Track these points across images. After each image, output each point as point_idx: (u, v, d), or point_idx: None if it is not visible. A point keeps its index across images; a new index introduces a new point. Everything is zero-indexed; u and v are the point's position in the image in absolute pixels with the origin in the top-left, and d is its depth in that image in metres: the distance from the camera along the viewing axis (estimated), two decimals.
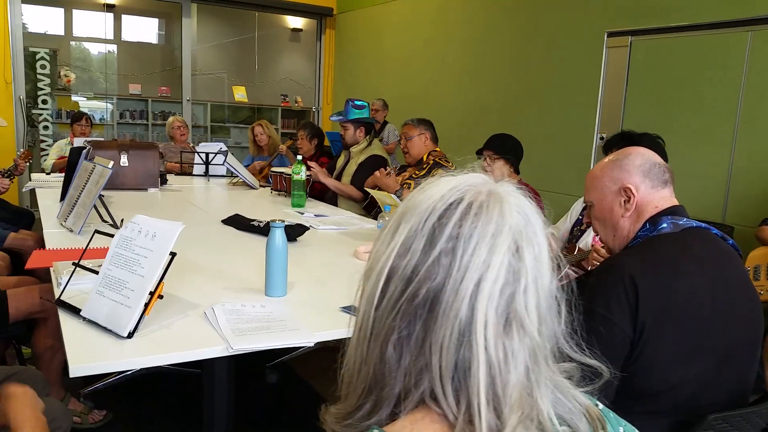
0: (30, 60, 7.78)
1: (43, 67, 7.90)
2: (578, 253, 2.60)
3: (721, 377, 1.34)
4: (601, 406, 0.76)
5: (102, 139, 6.98)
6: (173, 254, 1.55)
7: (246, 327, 1.63)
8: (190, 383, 2.98)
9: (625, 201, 1.49)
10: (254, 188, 4.53)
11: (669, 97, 4.19)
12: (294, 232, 2.75)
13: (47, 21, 10.75)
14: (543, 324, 0.68)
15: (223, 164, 4.75)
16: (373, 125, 4.36)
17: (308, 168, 4.16)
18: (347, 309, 1.83)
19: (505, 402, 0.64)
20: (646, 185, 1.47)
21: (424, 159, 3.77)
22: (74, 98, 9.09)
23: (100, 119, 9.16)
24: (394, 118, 6.31)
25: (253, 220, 2.96)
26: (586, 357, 0.77)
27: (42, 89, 7.48)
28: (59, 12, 10.95)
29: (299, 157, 3.80)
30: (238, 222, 3.02)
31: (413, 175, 3.72)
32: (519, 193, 0.73)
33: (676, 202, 1.49)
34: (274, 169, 4.53)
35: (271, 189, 4.36)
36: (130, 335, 1.49)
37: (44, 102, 7.50)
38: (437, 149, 3.82)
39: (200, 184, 4.72)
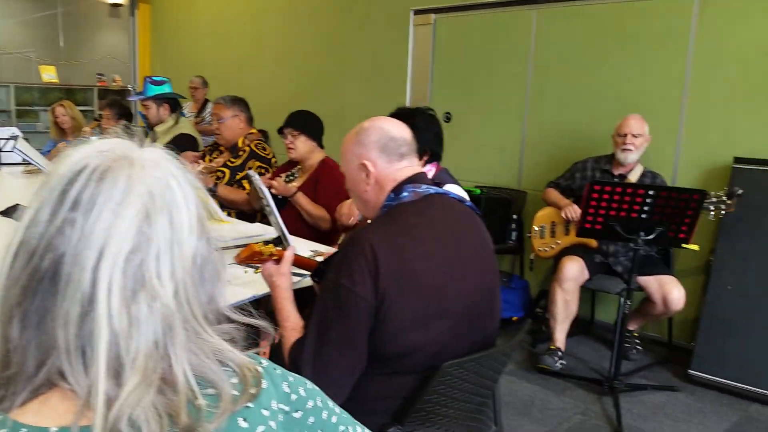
0: None
1: None
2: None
3: (462, 333, 1.44)
4: (265, 363, 0.77)
5: None
6: None
7: None
8: None
9: (366, 175, 1.54)
10: None
11: (469, 73, 4.44)
12: None
13: None
14: (182, 290, 0.67)
15: (12, 151, 4.31)
16: (178, 101, 4.16)
17: None
18: None
19: (129, 370, 0.63)
20: (382, 160, 1.53)
21: (240, 144, 3.56)
22: None
23: None
24: (216, 96, 6.09)
25: None
26: (252, 318, 0.78)
27: None
28: None
29: (92, 140, 3.54)
30: (17, 213, 2.76)
31: (228, 163, 3.51)
32: (164, 159, 0.72)
33: (417, 171, 1.57)
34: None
35: None
36: None
37: None
38: (253, 131, 3.68)
39: None
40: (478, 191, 4.01)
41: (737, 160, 3.17)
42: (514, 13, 4.14)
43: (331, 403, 0.84)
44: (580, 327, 3.84)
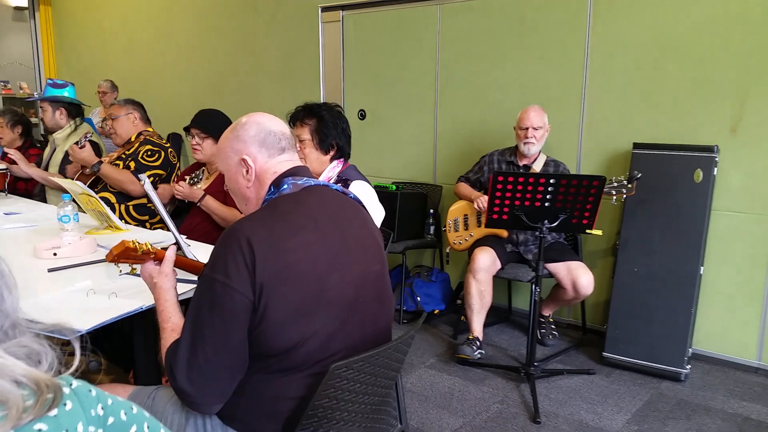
0: None
1: None
2: None
3: (349, 324, 1.41)
4: (76, 385, 0.74)
5: None
6: None
7: None
8: None
9: (246, 171, 1.50)
10: None
11: (381, 70, 4.43)
12: None
13: None
14: None
15: None
16: (79, 107, 3.97)
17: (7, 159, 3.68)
18: None
19: None
20: (262, 155, 1.49)
21: (132, 139, 3.45)
22: None
23: None
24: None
25: None
26: (33, 340, 0.74)
27: None
28: None
29: None
30: None
31: (122, 156, 3.39)
32: None
33: (296, 164, 1.53)
34: None
35: None
36: None
37: None
38: (150, 129, 3.55)
39: None
40: (393, 187, 4.01)
41: (636, 145, 3.28)
42: (419, 8, 4.16)
43: (163, 429, 0.81)
44: (498, 315, 3.91)
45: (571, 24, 3.54)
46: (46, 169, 3.91)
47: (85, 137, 3.66)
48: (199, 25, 5.71)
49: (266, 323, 1.30)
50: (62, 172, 3.77)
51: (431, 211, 4.10)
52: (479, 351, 3.23)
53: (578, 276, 3.18)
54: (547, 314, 3.58)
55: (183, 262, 1.67)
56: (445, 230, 3.66)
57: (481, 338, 3.28)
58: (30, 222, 2.90)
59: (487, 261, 3.24)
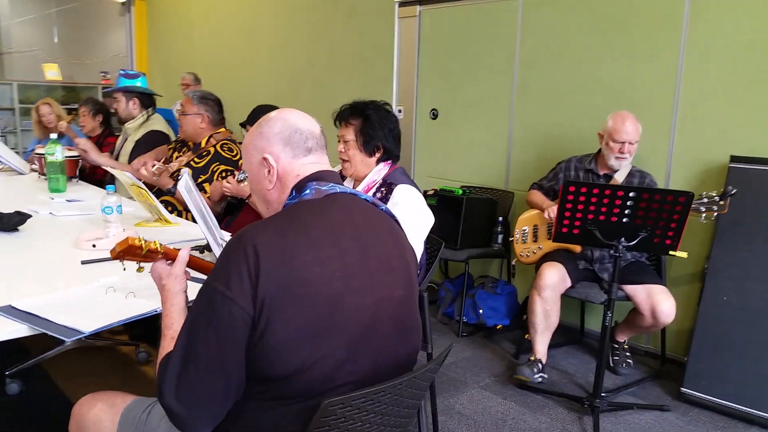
0: None
1: None
2: None
3: (361, 353, 1.23)
4: None
5: None
6: None
7: None
8: None
9: (268, 171, 1.35)
10: (23, 173, 4.04)
11: (455, 68, 4.21)
12: (10, 222, 2.43)
13: None
14: None
15: None
16: (152, 97, 4.00)
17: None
18: (4, 309, 1.57)
19: None
20: (286, 154, 1.35)
21: (203, 145, 3.35)
22: None
23: None
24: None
25: None
26: None
27: None
28: None
29: (53, 136, 3.41)
30: None
31: (191, 164, 3.29)
32: None
33: (323, 168, 1.37)
34: (38, 151, 4.05)
35: (39, 173, 3.90)
36: None
37: None
38: (222, 130, 3.43)
39: None
40: (460, 191, 3.78)
41: (734, 158, 2.90)
42: (500, 2, 3.90)
43: None
44: (569, 336, 3.60)
45: (665, 20, 3.18)
46: (117, 158, 3.97)
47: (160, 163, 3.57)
48: (279, 20, 5.71)
49: (265, 344, 1.14)
50: (132, 161, 3.81)
51: (500, 218, 3.85)
52: (541, 375, 2.96)
53: (659, 302, 2.84)
54: (622, 340, 3.24)
55: (199, 264, 1.55)
56: (512, 240, 3.40)
57: (544, 361, 3.00)
58: (87, 210, 2.91)
59: (554, 278, 2.96)
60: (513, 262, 3.45)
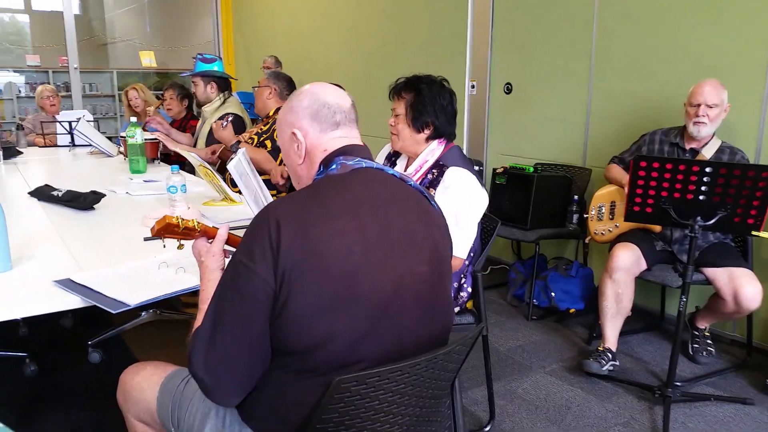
0: None
1: None
2: None
3: (380, 330, 1.21)
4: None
5: None
6: None
7: None
8: None
9: (297, 146, 1.35)
10: (111, 155, 4.29)
11: (530, 40, 4.04)
12: (86, 201, 2.58)
13: None
14: None
15: (69, 132, 4.48)
16: (228, 81, 4.12)
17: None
18: (62, 282, 1.66)
19: None
20: (314, 128, 1.34)
21: (270, 114, 3.52)
22: None
23: None
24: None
25: (55, 190, 2.76)
26: None
27: None
28: None
29: (133, 119, 3.58)
30: (41, 193, 2.81)
31: (258, 131, 3.48)
32: None
33: (352, 142, 1.35)
34: (122, 133, 4.27)
35: (123, 155, 4.12)
36: None
37: None
38: None
39: (57, 155, 4.45)
40: (531, 169, 3.64)
41: None
42: None
43: None
44: (647, 321, 3.41)
45: None
46: (196, 140, 4.13)
47: (227, 118, 3.77)
48: (354, 5, 5.71)
49: (287, 315, 1.15)
50: (209, 144, 3.94)
51: (576, 197, 3.68)
52: (611, 363, 2.81)
53: (741, 285, 2.62)
54: (703, 327, 3.03)
55: (236, 242, 1.58)
56: (586, 217, 3.25)
57: (614, 348, 2.86)
58: (161, 190, 3.03)
59: (627, 259, 2.80)
60: (586, 241, 3.29)
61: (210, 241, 1.46)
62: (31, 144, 4.91)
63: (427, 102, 2.15)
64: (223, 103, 4.05)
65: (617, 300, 2.83)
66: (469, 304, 2.30)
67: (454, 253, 2.01)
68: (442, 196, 2.07)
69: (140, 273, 1.80)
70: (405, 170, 2.27)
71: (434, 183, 2.12)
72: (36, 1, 11.10)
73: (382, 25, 5.34)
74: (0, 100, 8.47)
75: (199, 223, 1.48)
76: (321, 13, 6.23)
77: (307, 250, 1.15)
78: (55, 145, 4.83)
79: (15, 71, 9.02)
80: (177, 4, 9.81)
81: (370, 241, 1.20)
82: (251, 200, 2.02)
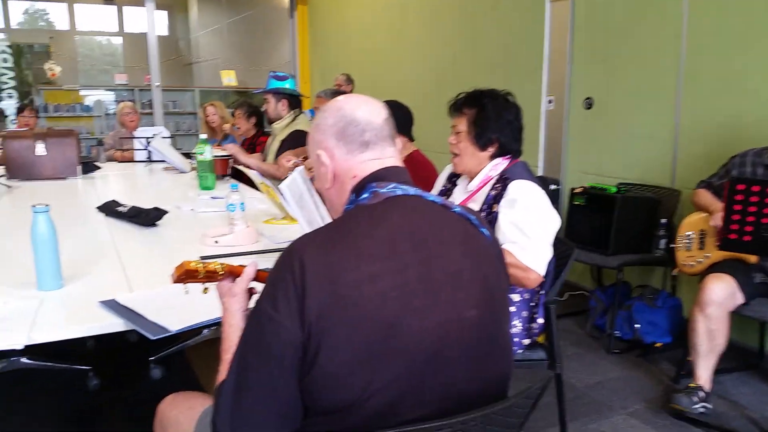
0: (16, 55, 7.77)
1: (29, 62, 7.90)
2: None
3: (425, 386, 1.05)
4: None
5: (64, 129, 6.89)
6: None
7: None
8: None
9: (324, 170, 1.21)
10: (184, 172, 4.34)
11: (613, 52, 3.79)
12: (148, 217, 2.57)
13: (48, 15, 10.84)
14: None
15: (144, 149, 4.58)
16: (299, 98, 4.09)
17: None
18: (107, 303, 1.61)
19: None
20: (340, 150, 1.19)
21: None
22: (82, 92, 9.07)
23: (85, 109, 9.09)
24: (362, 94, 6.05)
25: (121, 206, 2.77)
26: None
27: (5, 83, 7.46)
28: (62, 6, 11.02)
29: (202, 136, 3.59)
30: (108, 208, 2.83)
31: None
32: None
33: (386, 164, 1.19)
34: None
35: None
36: None
37: (10, 96, 7.47)
38: None
39: (133, 170, 4.56)
40: (614, 189, 3.38)
41: None
42: None
43: None
44: (744, 360, 3.07)
45: None
46: (266, 157, 4.11)
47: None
48: (424, 18, 5.68)
49: (318, 371, 1.01)
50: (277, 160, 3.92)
51: (663, 220, 3.38)
52: (703, 405, 2.52)
53: None
54: None
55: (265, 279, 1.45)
56: (673, 247, 2.96)
57: (707, 388, 2.56)
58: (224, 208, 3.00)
59: (722, 292, 2.51)
60: (674, 272, 3.00)
61: (235, 280, 1.33)
62: (110, 159, 5.07)
63: (492, 117, 1.99)
64: (293, 120, 4.02)
65: (710, 337, 2.54)
66: (541, 338, 2.10)
67: (528, 265, 1.82)
68: (507, 210, 1.90)
69: (183, 296, 1.72)
70: (466, 187, 2.12)
71: (497, 198, 1.95)
72: (128, 24, 11.73)
73: (454, 40, 5.22)
74: (90, 116, 8.92)
75: (222, 264, 1.34)
76: (394, 29, 6.18)
77: (336, 298, 1.00)
78: (133, 161, 4.97)
79: (106, 89, 9.51)
80: (257, 25, 10.06)
81: (410, 285, 1.05)
82: (305, 222, 1.92)
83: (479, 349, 1.11)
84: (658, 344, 3.23)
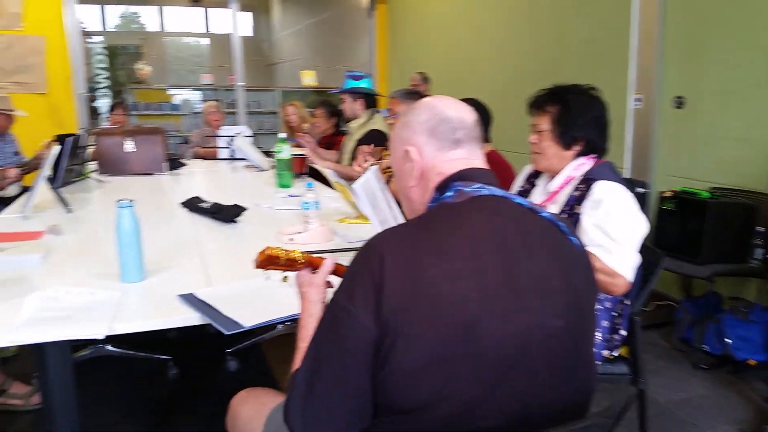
0: (111, 56, 8.21)
1: (122, 62, 8.32)
2: None
3: (501, 395, 1.01)
4: None
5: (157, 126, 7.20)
6: None
7: (48, 316, 1.50)
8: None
9: (411, 166, 1.20)
10: (264, 170, 4.43)
11: (707, 47, 3.56)
12: (228, 213, 2.63)
13: (140, 18, 11.41)
14: None
15: (227, 147, 4.70)
16: (374, 98, 4.09)
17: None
18: (185, 297, 1.65)
19: None
20: (431, 146, 1.18)
21: None
22: (170, 91, 9.50)
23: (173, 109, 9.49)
24: (439, 93, 6.00)
25: (203, 202, 2.85)
26: None
27: (100, 83, 7.87)
28: (152, 9, 11.57)
29: (281, 135, 3.64)
30: (191, 204, 2.92)
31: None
32: None
33: (473, 165, 1.17)
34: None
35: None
36: None
37: (104, 95, 7.88)
38: None
39: (216, 168, 4.70)
40: (707, 194, 3.18)
41: None
42: None
43: None
44: None
45: None
46: (341, 156, 4.14)
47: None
48: (506, 16, 5.54)
49: (391, 368, 0.99)
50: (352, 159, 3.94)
51: (760, 228, 3.15)
52: None
53: None
54: None
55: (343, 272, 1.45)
56: None
57: None
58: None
59: None
60: None
61: (315, 272, 1.34)
62: (195, 156, 5.25)
63: (576, 114, 1.89)
64: (369, 119, 4.03)
65: None
66: (624, 351, 1.98)
67: (616, 270, 1.73)
68: (592, 212, 1.80)
69: (260, 292, 1.74)
70: (546, 187, 2.04)
71: (580, 199, 1.86)
72: (214, 25, 12.15)
73: (533, 36, 5.09)
74: (178, 115, 9.30)
75: (303, 253, 1.36)
76: (472, 25, 6.09)
77: (414, 295, 0.98)
78: (216, 158, 5.12)
79: (193, 89, 9.89)
80: (337, 25, 10.17)
81: (491, 288, 1.01)
82: (377, 221, 1.90)
83: (563, 362, 1.06)
84: (751, 362, 3.01)
